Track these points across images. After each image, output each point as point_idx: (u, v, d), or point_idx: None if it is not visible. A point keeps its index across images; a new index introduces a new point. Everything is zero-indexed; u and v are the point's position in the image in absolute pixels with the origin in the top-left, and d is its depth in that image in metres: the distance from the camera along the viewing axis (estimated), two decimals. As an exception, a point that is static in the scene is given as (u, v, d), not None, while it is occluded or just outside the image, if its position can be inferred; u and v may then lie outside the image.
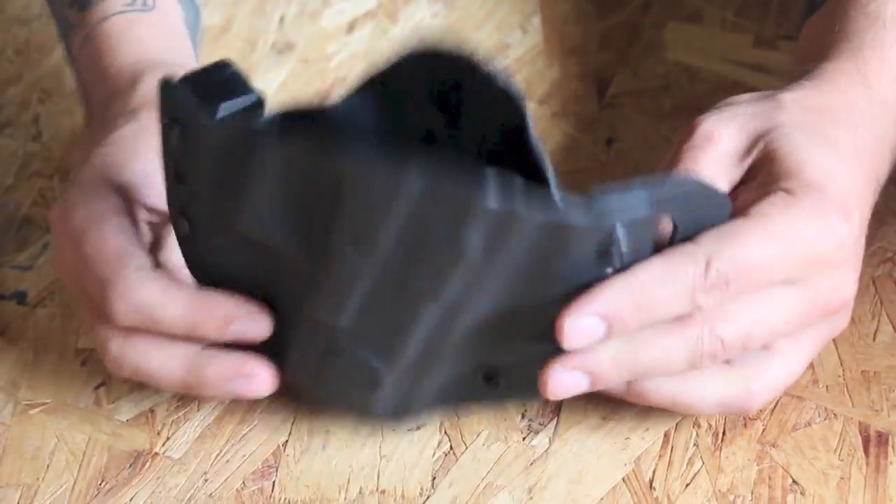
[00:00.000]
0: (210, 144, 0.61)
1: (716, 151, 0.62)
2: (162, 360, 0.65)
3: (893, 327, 0.68)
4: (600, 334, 0.59)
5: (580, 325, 0.59)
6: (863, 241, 0.64)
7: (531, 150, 0.60)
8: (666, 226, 0.60)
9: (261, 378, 0.64)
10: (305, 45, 0.87)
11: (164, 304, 0.63)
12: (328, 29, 0.88)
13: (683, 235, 0.60)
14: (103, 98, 0.72)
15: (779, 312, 0.61)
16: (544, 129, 0.79)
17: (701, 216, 0.60)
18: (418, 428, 0.67)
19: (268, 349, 0.64)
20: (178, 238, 0.65)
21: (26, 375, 0.72)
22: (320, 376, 0.64)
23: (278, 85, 0.85)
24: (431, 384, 0.64)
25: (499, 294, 0.60)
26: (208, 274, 0.65)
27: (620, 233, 0.58)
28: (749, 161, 0.63)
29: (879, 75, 0.66)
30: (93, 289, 0.65)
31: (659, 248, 0.60)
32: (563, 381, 0.61)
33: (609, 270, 0.59)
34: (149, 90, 0.70)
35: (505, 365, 0.63)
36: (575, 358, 0.61)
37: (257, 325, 0.64)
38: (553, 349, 0.61)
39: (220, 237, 0.63)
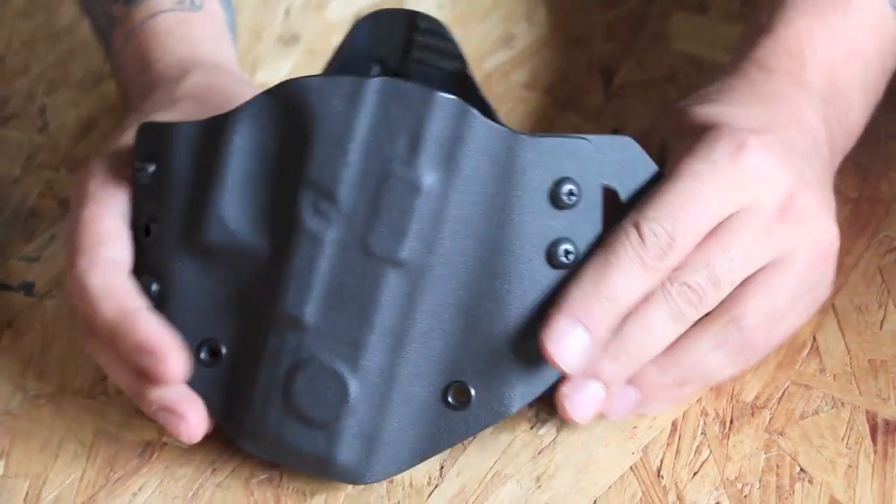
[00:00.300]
0: (183, 154, 0.63)
1: None
2: (111, 359, 0.64)
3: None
4: (587, 343, 0.60)
5: (566, 343, 0.60)
6: (800, 163, 0.63)
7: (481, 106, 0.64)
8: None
9: (190, 424, 0.63)
10: (311, 36, 0.86)
11: (100, 300, 0.63)
12: (333, 20, 0.87)
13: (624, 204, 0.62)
14: (147, 87, 0.73)
15: (735, 240, 0.61)
16: (550, 120, 0.79)
17: (637, 187, 0.62)
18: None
19: (231, 406, 0.64)
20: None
21: (34, 366, 0.71)
22: (287, 414, 0.62)
23: (284, 76, 0.85)
24: (400, 416, 0.62)
25: (457, 269, 0.61)
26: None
27: (569, 185, 0.61)
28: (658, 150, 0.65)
29: (777, 53, 0.67)
30: (68, 255, 0.65)
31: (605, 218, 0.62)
32: (580, 399, 0.61)
33: (563, 226, 0.61)
34: (195, 84, 0.70)
35: (473, 378, 0.62)
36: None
37: (165, 367, 0.62)
38: (520, 347, 0.62)
39: (188, 276, 0.64)
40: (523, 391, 0.62)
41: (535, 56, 0.83)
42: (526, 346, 0.61)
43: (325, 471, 0.63)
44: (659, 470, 0.63)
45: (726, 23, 0.83)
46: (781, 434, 0.64)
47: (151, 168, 0.64)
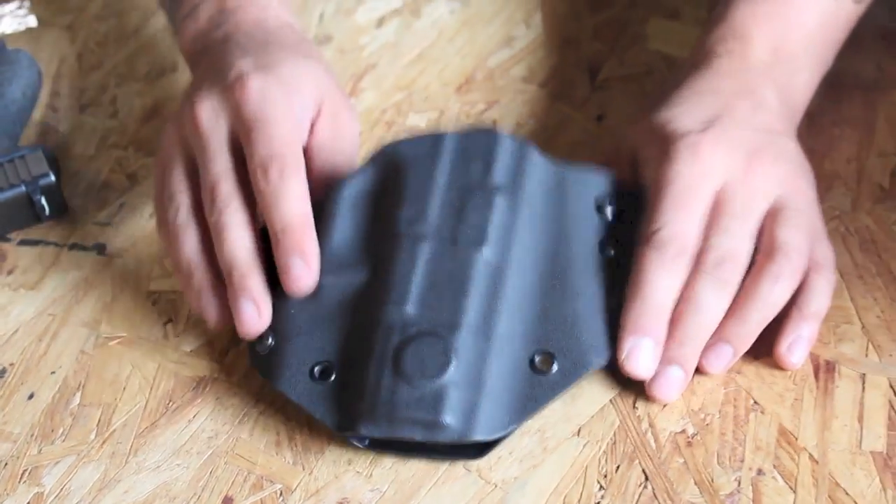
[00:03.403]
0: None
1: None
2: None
3: (839, 275, 0.67)
4: (653, 349, 0.62)
5: (639, 356, 0.62)
6: (746, 132, 0.65)
7: None
8: None
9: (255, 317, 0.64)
10: (341, 37, 0.86)
11: (296, 199, 0.63)
12: (361, 23, 0.87)
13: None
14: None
15: (729, 204, 0.63)
16: (544, 109, 0.79)
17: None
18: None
19: (345, 411, 0.62)
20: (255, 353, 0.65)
21: (106, 313, 0.71)
22: (398, 382, 0.60)
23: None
24: (495, 379, 0.61)
25: (530, 260, 0.63)
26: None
27: (608, 200, 0.65)
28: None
29: (724, 38, 0.69)
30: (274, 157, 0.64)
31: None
32: (664, 384, 0.62)
33: (605, 224, 0.65)
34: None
35: (554, 347, 0.62)
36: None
37: (306, 271, 0.63)
38: (589, 322, 0.62)
39: (299, 315, 0.64)
40: (597, 358, 0.62)
41: (532, 54, 0.83)
42: (593, 321, 0.62)
43: (434, 432, 0.60)
44: (634, 402, 0.63)
45: (695, 26, 0.82)
46: (738, 373, 0.64)
47: None
